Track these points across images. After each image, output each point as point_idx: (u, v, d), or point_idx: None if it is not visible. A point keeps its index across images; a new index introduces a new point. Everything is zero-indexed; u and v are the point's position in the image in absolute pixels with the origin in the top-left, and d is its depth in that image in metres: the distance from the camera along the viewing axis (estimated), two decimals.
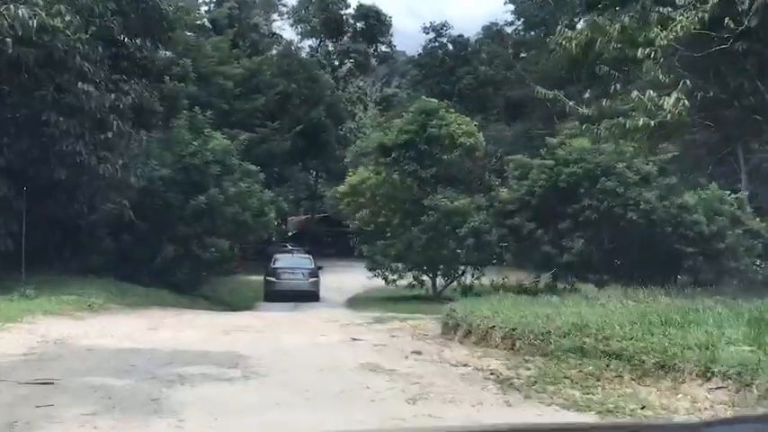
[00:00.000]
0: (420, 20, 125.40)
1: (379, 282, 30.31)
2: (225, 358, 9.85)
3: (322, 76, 56.73)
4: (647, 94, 13.54)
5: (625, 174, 27.12)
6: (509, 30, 60.41)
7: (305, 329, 14.35)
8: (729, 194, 29.08)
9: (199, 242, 23.76)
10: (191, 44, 34.42)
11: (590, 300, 14.97)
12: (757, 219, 30.12)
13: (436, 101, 29.04)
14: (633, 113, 14.77)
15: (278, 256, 31.72)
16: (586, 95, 16.16)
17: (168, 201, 23.72)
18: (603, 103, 14.96)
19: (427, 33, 69.62)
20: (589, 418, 7.00)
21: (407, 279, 29.44)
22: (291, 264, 30.76)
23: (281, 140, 48.92)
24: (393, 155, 27.70)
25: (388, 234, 28.58)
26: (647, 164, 27.29)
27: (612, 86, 14.88)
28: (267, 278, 29.32)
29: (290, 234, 64.74)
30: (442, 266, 28.82)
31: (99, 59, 19.54)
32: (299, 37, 70.89)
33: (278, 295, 28.15)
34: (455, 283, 29.17)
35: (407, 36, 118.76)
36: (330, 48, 70.31)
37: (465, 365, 10.10)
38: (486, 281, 28.83)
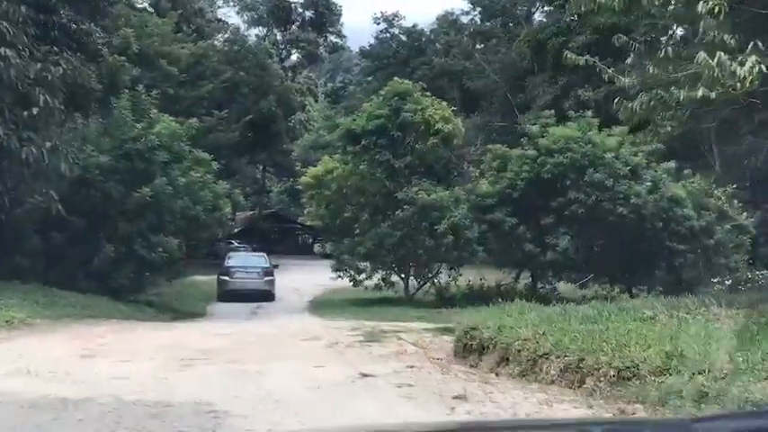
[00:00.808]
0: (369, 15, 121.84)
1: (337, 282, 27.90)
2: (194, 417, 6.54)
3: (271, 65, 53.03)
4: (718, 57, 10.59)
5: (614, 165, 24.47)
6: (465, 20, 57.58)
7: (287, 354, 11.01)
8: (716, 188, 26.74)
9: (143, 240, 20.18)
10: (132, 20, 30.47)
11: (630, 310, 11.98)
12: (744, 214, 27.97)
13: (410, 82, 25.91)
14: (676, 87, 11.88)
15: (232, 254, 29.96)
16: (629, 60, 13.12)
17: (107, 193, 20.10)
18: (651, 71, 11.98)
19: (378, 24, 66.43)
20: None
21: (374, 279, 26.28)
22: (245, 263, 28.84)
23: (229, 131, 45.08)
24: (363, 142, 24.47)
25: (357, 231, 25.38)
26: (636, 155, 24.68)
27: (662, 50, 11.90)
28: (220, 277, 27.45)
29: (235, 231, 60.74)
30: (414, 266, 25.74)
31: (21, 20, 15.80)
32: (246, 26, 66.91)
33: (231, 295, 26.55)
34: (427, 285, 26.16)
35: (355, 31, 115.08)
36: (278, 37, 66.54)
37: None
38: (461, 281, 25.91)
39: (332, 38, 69.04)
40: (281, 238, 69.43)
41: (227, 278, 27.36)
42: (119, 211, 20.47)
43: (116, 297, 19.89)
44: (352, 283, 26.09)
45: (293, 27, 65.52)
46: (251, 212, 66.95)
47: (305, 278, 35.54)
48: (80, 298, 18.26)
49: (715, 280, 24.42)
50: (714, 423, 2.74)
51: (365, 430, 4.37)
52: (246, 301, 25.95)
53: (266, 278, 27.95)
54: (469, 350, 10.95)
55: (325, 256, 58.40)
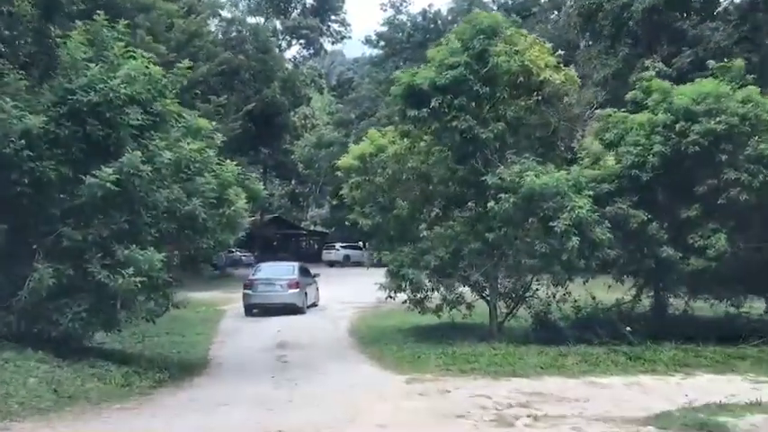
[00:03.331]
0: (368, 8, 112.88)
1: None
2: None
3: (274, 47, 44.30)
4: None
5: None
6: None
7: None
8: None
9: (103, 257, 11.49)
10: None
11: None
12: None
13: (497, 14, 17.26)
14: None
15: (261, 265, 27.17)
16: None
17: (42, 178, 11.44)
18: None
19: (385, 11, 58.15)
20: None
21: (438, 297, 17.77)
22: (269, 274, 25.08)
23: (229, 122, 36.25)
24: (432, 104, 15.81)
25: (423, 233, 16.81)
26: None
27: None
28: (244, 291, 24.38)
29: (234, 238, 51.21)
30: (508, 281, 17.16)
31: None
32: (240, 14, 58.02)
33: (254, 309, 23.88)
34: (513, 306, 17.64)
35: (355, 24, 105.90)
36: (278, 26, 57.70)
37: None
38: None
39: (335, 26, 60.38)
40: (285, 244, 60.99)
41: (249, 291, 24.09)
42: (62, 209, 11.81)
43: (56, 352, 11.19)
44: (418, 309, 17.42)
45: (294, 14, 56.76)
46: (252, 218, 58.12)
47: (324, 294, 28.01)
48: None
49: None
50: None
51: None
52: (270, 314, 22.89)
53: (291, 290, 23.98)
54: None
55: (331, 264, 50.11)
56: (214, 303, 27.01)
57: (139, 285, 11.33)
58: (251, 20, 56.85)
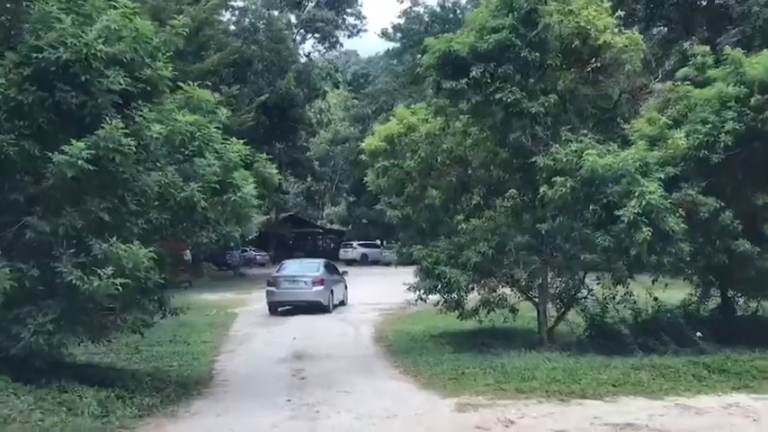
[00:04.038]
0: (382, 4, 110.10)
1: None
2: None
3: (288, 37, 41.84)
4: None
5: None
6: None
7: None
8: None
9: (76, 253, 9.07)
10: None
11: None
12: None
13: None
14: None
15: (285, 262, 26.13)
16: None
17: None
18: None
19: (401, 2, 55.58)
20: None
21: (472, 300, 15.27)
22: (294, 271, 23.97)
23: (242, 114, 33.84)
24: (472, 73, 13.28)
25: (463, 224, 14.27)
26: None
27: None
28: (267, 288, 23.44)
29: (249, 237, 49.08)
30: (559, 279, 14.60)
31: None
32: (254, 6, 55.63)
33: (278, 307, 22.96)
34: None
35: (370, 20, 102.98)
36: (292, 19, 55.19)
37: None
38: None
39: (350, 19, 57.83)
40: (301, 243, 58.71)
41: (273, 289, 23.06)
42: (26, 195, 9.39)
43: (17, 373, 8.75)
44: (457, 313, 14.89)
45: (309, 5, 54.26)
46: (266, 216, 56.02)
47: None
48: None
49: None
50: None
51: None
52: (293, 312, 22.14)
53: (315, 288, 22.72)
54: None
55: (348, 262, 47.60)
56: (225, 305, 24.65)
57: (120, 288, 8.85)
58: (264, 13, 54.76)
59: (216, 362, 14.30)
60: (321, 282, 22.91)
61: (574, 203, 12.88)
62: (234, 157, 11.43)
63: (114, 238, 9.20)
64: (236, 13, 41.87)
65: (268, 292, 23.20)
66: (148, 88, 10.40)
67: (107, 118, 9.37)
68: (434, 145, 14.87)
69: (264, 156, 12.72)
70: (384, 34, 57.71)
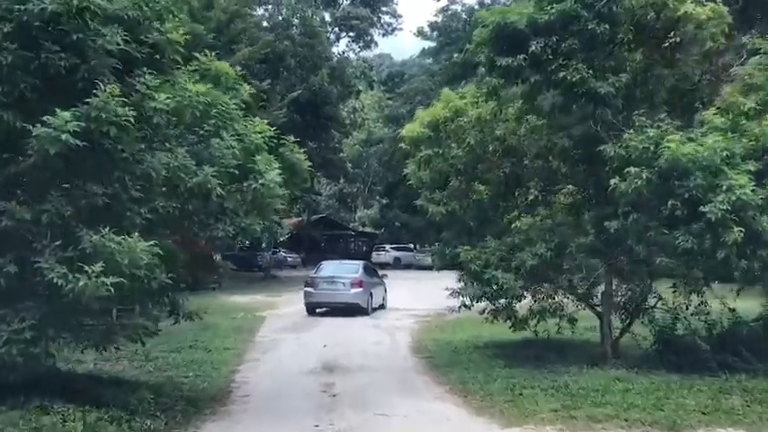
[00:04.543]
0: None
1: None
2: None
3: (322, 33, 40.29)
4: None
5: None
6: None
7: None
8: None
9: (65, 245, 7.44)
10: None
11: None
12: None
13: None
14: None
15: (323, 263, 25.13)
16: None
17: None
18: None
19: (438, 0, 53.77)
20: None
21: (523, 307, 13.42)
22: (332, 272, 23.35)
23: (274, 110, 32.29)
24: (530, 48, 11.45)
25: (516, 222, 12.44)
26: None
27: None
28: (305, 288, 22.97)
29: (281, 239, 48.15)
30: (626, 286, 12.67)
31: None
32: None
33: (315, 308, 22.52)
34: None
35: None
36: (327, 17, 53.68)
37: None
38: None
39: (386, 18, 56.13)
40: (332, 245, 57.16)
41: (311, 290, 22.62)
42: (4, 175, 7.79)
43: None
44: (510, 323, 13.06)
45: (344, 3, 52.72)
46: (299, 218, 54.67)
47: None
48: None
49: None
50: None
51: None
52: (331, 314, 21.56)
53: (354, 290, 22.20)
54: None
55: (381, 266, 45.91)
56: (253, 309, 23.15)
57: (113, 289, 7.18)
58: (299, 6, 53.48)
59: (237, 372, 12.64)
60: (360, 284, 22.34)
61: (649, 199, 10.94)
62: (256, 138, 9.74)
63: (109, 230, 7.54)
64: (269, 7, 40.41)
65: (306, 293, 22.73)
66: (156, 55, 8.76)
67: (102, 85, 7.73)
68: (484, 132, 13.04)
69: (292, 139, 10.91)
70: (420, 33, 56.02)
